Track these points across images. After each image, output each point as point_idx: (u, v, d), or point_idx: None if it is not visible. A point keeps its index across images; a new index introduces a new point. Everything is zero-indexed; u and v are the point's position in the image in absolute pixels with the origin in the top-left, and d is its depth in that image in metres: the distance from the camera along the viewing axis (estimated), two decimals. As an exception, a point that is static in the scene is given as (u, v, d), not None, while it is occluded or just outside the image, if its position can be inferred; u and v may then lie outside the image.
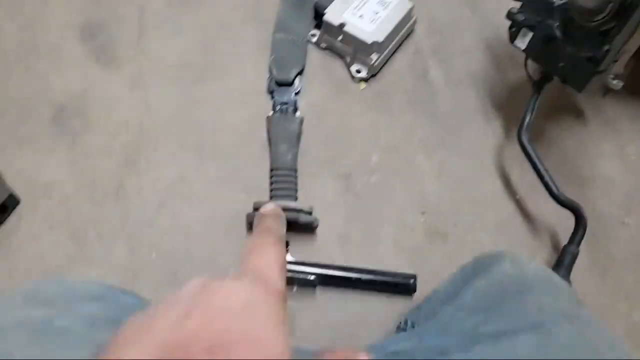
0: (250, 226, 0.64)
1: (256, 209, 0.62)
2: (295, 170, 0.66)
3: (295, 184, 0.65)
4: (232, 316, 0.23)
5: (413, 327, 0.55)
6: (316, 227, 0.64)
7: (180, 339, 0.22)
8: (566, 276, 0.60)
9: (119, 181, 0.68)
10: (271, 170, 0.66)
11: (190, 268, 0.63)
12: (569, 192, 0.67)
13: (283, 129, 0.67)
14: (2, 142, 0.70)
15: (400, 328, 0.57)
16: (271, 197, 0.64)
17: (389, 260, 0.64)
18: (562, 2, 0.58)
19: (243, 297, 0.25)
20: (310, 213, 0.63)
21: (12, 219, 0.66)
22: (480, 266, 0.53)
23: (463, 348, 0.42)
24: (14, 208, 0.66)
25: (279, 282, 0.28)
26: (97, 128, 0.71)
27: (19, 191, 0.66)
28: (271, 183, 0.65)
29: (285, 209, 0.61)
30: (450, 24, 0.81)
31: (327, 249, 0.65)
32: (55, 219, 0.66)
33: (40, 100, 0.73)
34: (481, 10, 0.81)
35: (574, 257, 0.61)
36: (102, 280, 0.48)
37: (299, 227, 0.63)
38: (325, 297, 0.62)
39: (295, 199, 0.65)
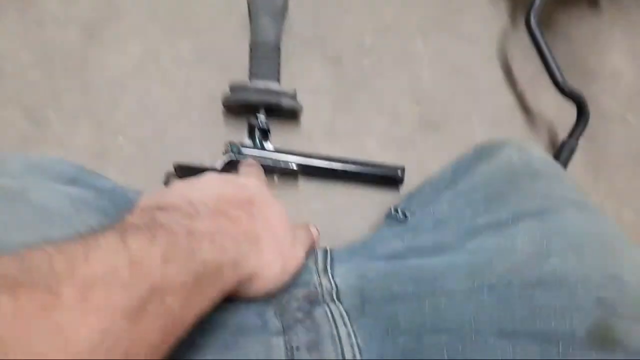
0: (227, 109, 0.59)
1: (232, 89, 0.56)
2: (279, 49, 0.59)
3: (278, 64, 0.59)
4: (254, 188, 0.36)
5: (405, 216, 0.51)
6: (300, 113, 0.59)
7: (228, 193, 0.34)
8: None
9: (81, 56, 0.61)
10: (251, 46, 0.59)
11: (160, 154, 0.58)
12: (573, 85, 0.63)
13: (266, 1, 0.59)
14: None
15: (391, 216, 0.53)
16: (251, 77, 0.58)
17: (377, 151, 0.60)
18: None
19: (256, 183, 0.38)
20: (294, 97, 0.57)
21: (-40, 95, 0.59)
22: (483, 152, 0.48)
23: (460, 243, 0.39)
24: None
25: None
26: (51, -8, 0.62)
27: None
28: (251, 60, 0.58)
29: (265, 91, 0.56)
30: None
31: (312, 139, 0.60)
32: (7, 95, 0.59)
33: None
34: None
35: (573, 150, 0.58)
36: (72, 161, 0.42)
37: (281, 112, 0.57)
38: (308, 188, 0.58)
39: (278, 80, 0.58)
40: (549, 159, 0.46)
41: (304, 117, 0.60)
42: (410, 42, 0.64)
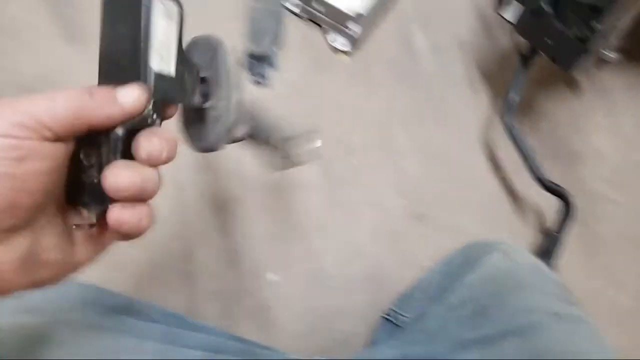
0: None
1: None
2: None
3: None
4: None
5: (397, 318, 0.54)
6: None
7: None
8: (551, 265, 0.59)
9: None
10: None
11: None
12: (558, 168, 0.65)
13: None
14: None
15: (386, 318, 0.57)
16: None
17: (366, 246, 0.63)
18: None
19: None
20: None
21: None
22: (470, 257, 0.51)
23: (449, 356, 0.42)
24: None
25: None
26: None
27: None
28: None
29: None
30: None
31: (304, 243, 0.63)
32: None
33: None
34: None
35: (561, 245, 0.59)
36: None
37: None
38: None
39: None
40: (535, 263, 0.48)
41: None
42: (394, 135, 0.67)
